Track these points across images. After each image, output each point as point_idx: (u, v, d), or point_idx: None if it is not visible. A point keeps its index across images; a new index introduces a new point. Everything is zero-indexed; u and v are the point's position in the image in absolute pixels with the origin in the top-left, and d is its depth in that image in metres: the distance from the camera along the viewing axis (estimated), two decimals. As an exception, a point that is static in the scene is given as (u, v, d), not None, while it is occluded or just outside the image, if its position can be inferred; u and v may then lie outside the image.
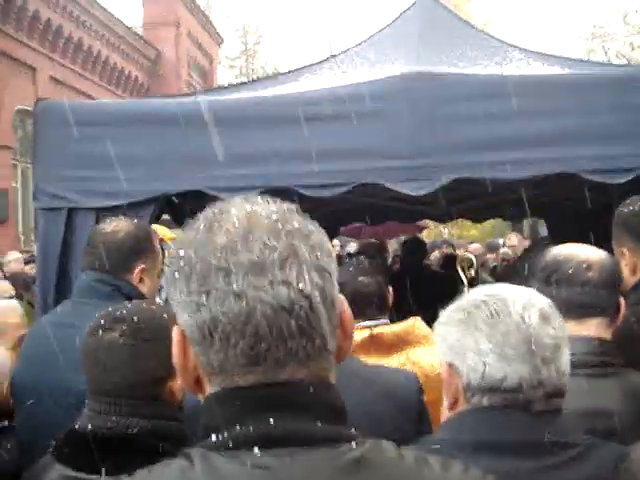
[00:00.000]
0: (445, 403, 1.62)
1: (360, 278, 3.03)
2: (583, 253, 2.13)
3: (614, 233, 2.66)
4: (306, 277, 1.00)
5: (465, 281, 3.75)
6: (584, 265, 2.08)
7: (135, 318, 1.84)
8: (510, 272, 6.44)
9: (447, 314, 1.63)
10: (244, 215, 1.03)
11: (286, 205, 1.08)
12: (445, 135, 3.42)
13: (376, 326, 2.95)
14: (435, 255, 10.32)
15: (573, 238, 5.71)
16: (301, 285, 0.99)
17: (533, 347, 1.47)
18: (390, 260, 10.11)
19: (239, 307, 0.97)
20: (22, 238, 15.94)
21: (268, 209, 1.05)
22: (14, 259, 8.59)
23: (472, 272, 3.84)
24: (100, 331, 1.83)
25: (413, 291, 4.84)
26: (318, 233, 1.07)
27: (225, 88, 5.23)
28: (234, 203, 1.07)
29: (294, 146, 3.55)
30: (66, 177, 3.79)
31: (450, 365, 1.57)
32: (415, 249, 7.28)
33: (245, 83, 5.17)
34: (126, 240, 2.70)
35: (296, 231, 1.03)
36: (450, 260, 8.25)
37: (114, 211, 3.68)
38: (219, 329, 0.98)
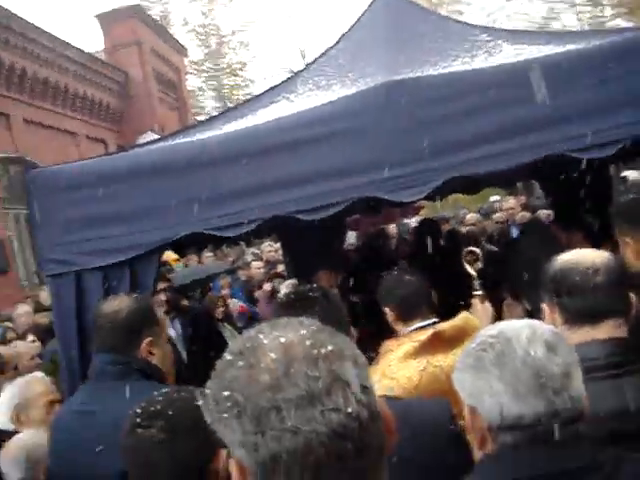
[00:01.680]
0: (474, 443, 1.68)
1: (409, 279, 3.13)
2: (588, 258, 2.17)
3: (614, 222, 2.70)
4: (352, 400, 1.04)
5: (474, 273, 3.78)
6: (590, 270, 2.12)
7: (170, 411, 1.88)
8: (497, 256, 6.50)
9: (460, 360, 1.69)
10: (279, 347, 1.07)
11: (313, 324, 1.14)
12: (429, 138, 3.45)
13: (434, 324, 3.04)
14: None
15: (567, 197, 5.92)
16: (350, 409, 1.03)
17: (543, 380, 1.52)
18: (395, 244, 10.16)
19: (296, 442, 1.01)
20: (25, 284, 15.93)
21: (299, 334, 1.10)
22: (24, 312, 8.60)
23: (479, 264, 3.87)
24: (138, 430, 1.87)
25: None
26: (350, 347, 1.12)
27: (205, 121, 5.24)
28: (263, 331, 1.12)
29: (285, 173, 3.59)
30: (67, 241, 3.85)
31: (472, 409, 1.63)
32: (429, 231, 7.37)
33: (226, 112, 5.17)
34: (128, 317, 2.75)
35: (331, 354, 1.07)
36: (453, 236, 8.34)
37: (121, 267, 3.76)
38: (280, 465, 1.02)
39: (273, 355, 1.06)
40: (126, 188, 3.77)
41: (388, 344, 3.04)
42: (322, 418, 1.02)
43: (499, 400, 1.55)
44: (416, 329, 3.05)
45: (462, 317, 3.08)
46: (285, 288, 7.31)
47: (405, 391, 2.82)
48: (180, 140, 4.11)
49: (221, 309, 7.46)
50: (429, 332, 2.96)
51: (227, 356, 1.11)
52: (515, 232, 10.54)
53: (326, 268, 6.37)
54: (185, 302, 7.47)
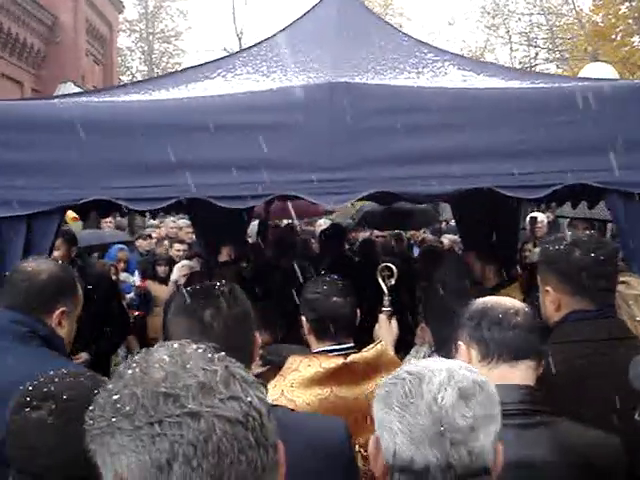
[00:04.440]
0: (376, 474, 1.60)
1: (334, 299, 2.95)
2: (508, 302, 2.17)
3: (539, 271, 2.69)
4: (251, 392, 1.04)
5: (386, 290, 3.72)
6: (511, 311, 2.11)
7: (65, 395, 1.73)
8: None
9: (378, 387, 1.63)
10: (173, 353, 1.06)
11: (206, 344, 1.12)
12: (364, 147, 3.36)
13: (347, 352, 2.90)
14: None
15: (478, 227, 5.99)
16: (249, 398, 1.03)
17: (442, 430, 1.44)
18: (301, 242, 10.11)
19: (197, 426, 0.97)
20: None
21: (191, 347, 1.09)
22: None
23: (392, 281, 3.80)
24: (27, 409, 1.71)
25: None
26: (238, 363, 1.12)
27: (130, 85, 4.99)
28: (154, 350, 1.09)
29: (209, 155, 3.42)
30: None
31: (377, 439, 1.57)
32: (334, 236, 7.34)
33: (153, 79, 4.95)
34: (49, 281, 2.63)
35: (224, 358, 1.08)
36: (368, 246, 8.36)
37: (18, 221, 3.50)
38: (179, 455, 0.96)
39: (167, 358, 1.05)
40: (40, 139, 3.50)
41: (296, 360, 2.88)
42: (223, 405, 1.00)
43: (394, 439, 1.49)
44: (328, 351, 2.92)
45: (378, 349, 2.95)
46: (177, 270, 7.11)
47: None
48: (105, 99, 3.87)
49: (113, 278, 7.17)
50: (339, 361, 2.81)
51: (112, 382, 1.06)
52: (416, 251, 10.71)
53: (228, 243, 6.37)
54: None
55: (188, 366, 1.02)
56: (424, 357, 3.59)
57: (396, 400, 1.51)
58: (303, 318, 3.00)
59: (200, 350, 1.08)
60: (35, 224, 3.52)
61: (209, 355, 1.07)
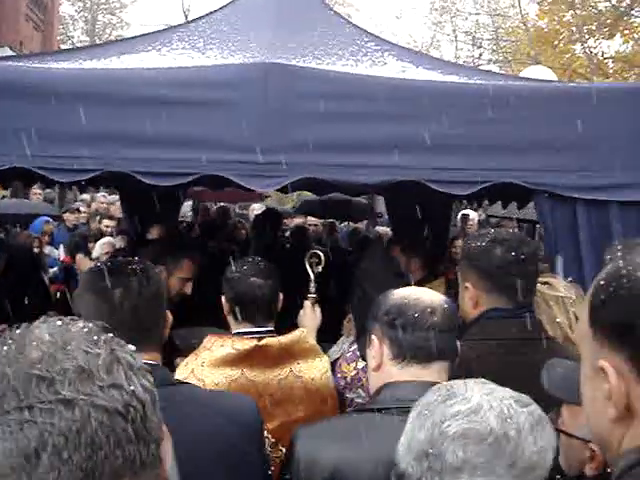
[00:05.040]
0: None
1: (252, 279, 2.90)
2: (426, 297, 2.10)
3: (460, 266, 2.68)
4: (135, 380, 0.97)
5: (312, 276, 3.68)
6: (428, 310, 2.05)
7: None
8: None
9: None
10: (54, 331, 0.97)
11: (94, 323, 1.03)
12: (297, 132, 3.30)
13: (264, 336, 2.85)
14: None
15: (409, 221, 6.01)
16: (132, 387, 0.95)
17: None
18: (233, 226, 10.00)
19: (70, 415, 0.89)
20: None
21: (76, 326, 1.00)
22: None
23: (319, 268, 3.77)
24: None
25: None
26: (125, 344, 1.04)
27: (66, 51, 4.82)
28: (35, 326, 0.99)
29: (137, 129, 3.30)
30: None
31: None
32: (268, 221, 7.28)
33: (89, 47, 4.79)
34: None
35: (111, 340, 1.00)
36: (300, 232, 8.32)
37: None
38: (49, 445, 0.87)
39: (47, 336, 0.95)
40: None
41: (211, 340, 2.83)
42: (102, 393, 0.91)
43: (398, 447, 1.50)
44: (244, 333, 2.87)
45: (295, 335, 2.93)
46: (99, 247, 6.95)
47: None
48: (34, 64, 3.71)
49: (35, 250, 6.96)
50: (252, 343, 2.77)
51: None
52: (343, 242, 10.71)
53: (160, 222, 6.26)
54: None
55: (69, 347, 0.93)
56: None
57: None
58: (223, 298, 2.95)
59: (85, 329, 0.99)
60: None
61: (94, 337, 0.97)
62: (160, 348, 2.17)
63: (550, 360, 1.95)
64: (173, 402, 1.64)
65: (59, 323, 0.99)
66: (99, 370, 0.93)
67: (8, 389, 0.89)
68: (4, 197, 10.85)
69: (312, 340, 3.10)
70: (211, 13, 4.95)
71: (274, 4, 4.78)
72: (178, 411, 1.75)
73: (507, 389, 1.50)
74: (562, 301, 2.78)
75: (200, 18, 4.91)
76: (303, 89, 3.33)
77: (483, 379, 1.54)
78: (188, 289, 4.10)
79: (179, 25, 4.90)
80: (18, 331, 0.98)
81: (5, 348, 0.94)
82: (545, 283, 2.85)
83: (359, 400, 3.13)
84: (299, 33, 4.32)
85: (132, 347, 1.03)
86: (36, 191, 10.92)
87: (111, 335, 1.01)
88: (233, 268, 3.00)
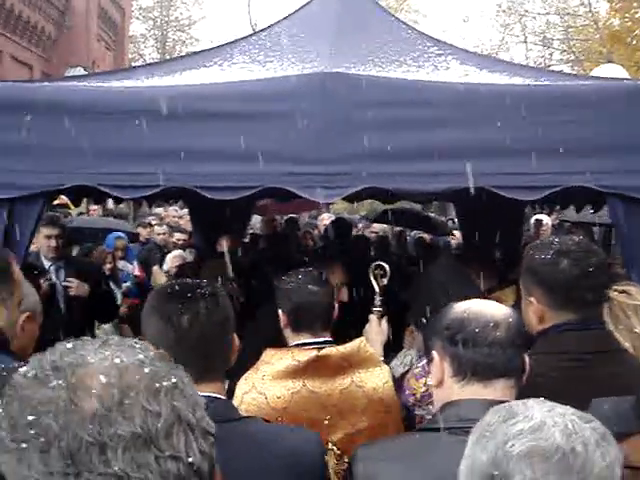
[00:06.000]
0: None
1: (310, 287, 2.91)
2: (489, 311, 2.00)
3: (522, 280, 2.56)
4: (195, 447, 0.87)
5: (377, 289, 3.62)
6: (491, 324, 1.95)
7: None
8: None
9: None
10: (111, 369, 0.85)
11: (149, 348, 0.92)
12: (358, 141, 3.23)
13: (323, 346, 2.82)
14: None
15: (480, 227, 5.89)
16: (191, 458, 0.86)
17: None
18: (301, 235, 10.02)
19: None
20: None
21: (137, 358, 0.88)
22: None
23: (385, 280, 3.70)
24: None
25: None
26: (189, 384, 0.92)
27: (128, 70, 4.89)
28: (86, 347, 0.88)
29: (198, 144, 3.31)
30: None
31: None
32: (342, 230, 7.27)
33: (152, 64, 4.86)
34: None
35: (173, 388, 0.89)
36: (362, 243, 8.26)
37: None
38: None
39: (103, 379, 0.84)
40: (25, 121, 3.36)
41: (269, 353, 2.81)
42: (157, 466, 0.82)
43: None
44: (303, 344, 2.84)
45: (355, 344, 2.87)
46: (170, 260, 7.03)
47: (276, 411, 2.63)
48: (97, 83, 3.77)
49: (108, 265, 7.08)
50: (312, 354, 2.73)
51: (30, 371, 0.86)
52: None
53: (228, 234, 6.26)
54: (74, 252, 7.09)
55: (126, 402, 0.83)
56: (410, 362, 3.48)
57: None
58: (280, 311, 2.92)
59: (146, 370, 0.88)
60: (16, 209, 3.42)
61: (156, 384, 0.87)
62: (224, 376, 2.12)
63: (595, 400, 1.85)
64: (230, 441, 1.59)
65: (117, 361, 0.88)
66: (158, 436, 0.84)
67: (54, 445, 0.81)
68: (82, 214, 11.11)
69: (371, 349, 3.04)
70: (271, 26, 4.95)
71: (333, 14, 4.75)
72: (233, 451, 1.71)
73: (567, 406, 1.41)
74: (642, 310, 2.64)
75: (261, 31, 4.92)
76: (363, 97, 3.28)
77: (542, 398, 1.45)
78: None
79: (241, 39, 4.90)
80: (69, 357, 0.87)
81: (55, 383, 0.84)
82: (622, 292, 2.70)
83: (429, 417, 3.06)
84: (359, 41, 4.27)
85: (195, 391, 0.94)
86: (93, 207, 11.15)
87: (174, 381, 0.90)
88: (287, 279, 2.98)
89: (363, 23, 4.67)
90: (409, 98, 3.32)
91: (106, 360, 0.87)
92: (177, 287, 2.08)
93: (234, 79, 3.64)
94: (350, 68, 3.54)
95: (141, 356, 0.90)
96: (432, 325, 2.09)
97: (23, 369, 0.88)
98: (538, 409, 1.38)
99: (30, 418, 0.82)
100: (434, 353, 2.02)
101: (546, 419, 1.35)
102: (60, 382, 0.84)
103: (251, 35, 4.87)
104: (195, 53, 4.70)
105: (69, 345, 0.90)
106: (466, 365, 1.93)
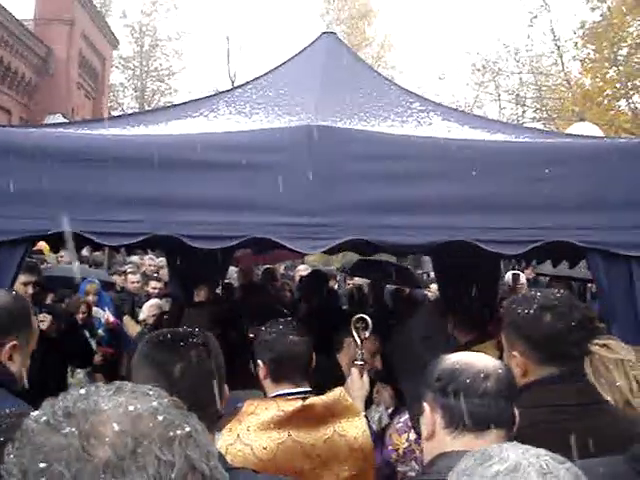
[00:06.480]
0: None
1: (291, 337, 2.90)
2: (480, 362, 2.01)
3: (505, 334, 2.57)
4: None
5: (359, 342, 3.60)
6: (482, 375, 1.96)
7: (1, 437, 1.54)
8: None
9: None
10: (124, 417, 0.84)
11: (164, 396, 0.91)
12: (343, 193, 3.29)
13: (305, 396, 2.81)
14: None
15: (459, 276, 5.91)
16: None
17: None
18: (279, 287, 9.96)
19: None
20: None
21: (150, 406, 0.87)
22: None
23: (366, 333, 3.69)
24: None
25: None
26: (203, 433, 0.91)
27: (116, 118, 4.92)
28: (101, 393, 0.87)
29: (184, 193, 3.32)
30: None
31: None
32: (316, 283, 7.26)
33: (138, 113, 4.89)
34: (1, 312, 2.47)
35: (187, 437, 0.87)
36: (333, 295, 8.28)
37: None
38: None
39: (116, 426, 0.82)
40: (8, 166, 3.38)
41: (253, 403, 2.78)
42: None
43: None
44: (285, 395, 2.82)
45: (336, 394, 2.88)
46: (147, 309, 6.96)
47: (262, 462, 2.59)
48: (83, 131, 3.78)
49: (82, 315, 6.96)
50: (298, 404, 2.72)
51: (42, 417, 0.84)
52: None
53: (206, 283, 6.25)
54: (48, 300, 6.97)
55: (139, 451, 0.81)
56: (378, 419, 3.47)
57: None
58: (259, 362, 2.90)
59: (160, 418, 0.86)
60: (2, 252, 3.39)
61: (170, 433, 0.85)
62: (214, 425, 2.08)
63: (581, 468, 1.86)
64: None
65: (131, 408, 0.86)
66: None
67: None
68: (62, 257, 10.92)
69: (350, 399, 3.03)
70: (257, 79, 5.01)
71: (319, 68, 4.83)
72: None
73: (541, 449, 1.41)
74: (622, 364, 2.66)
75: (246, 84, 4.98)
76: (349, 150, 3.33)
77: (515, 442, 1.45)
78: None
79: (226, 91, 4.98)
80: (81, 405, 0.86)
81: (68, 430, 0.82)
82: (603, 345, 2.73)
83: (412, 474, 3.03)
84: (344, 95, 4.34)
85: (208, 440, 0.93)
86: (61, 254, 10.97)
87: (188, 430, 0.88)
88: (268, 329, 2.97)
89: (348, 78, 4.76)
90: (395, 152, 3.38)
91: (120, 407, 0.85)
92: (169, 335, 2.07)
93: (220, 130, 3.67)
94: (336, 121, 3.59)
95: (155, 403, 0.88)
96: (421, 377, 2.08)
97: (35, 414, 0.86)
98: (513, 451, 1.39)
99: (42, 465, 0.80)
100: (425, 405, 2.02)
101: (521, 460, 1.35)
102: (73, 429, 0.82)
103: (237, 87, 4.93)
104: (182, 103, 4.73)
105: (82, 391, 0.88)
106: (458, 416, 1.93)
